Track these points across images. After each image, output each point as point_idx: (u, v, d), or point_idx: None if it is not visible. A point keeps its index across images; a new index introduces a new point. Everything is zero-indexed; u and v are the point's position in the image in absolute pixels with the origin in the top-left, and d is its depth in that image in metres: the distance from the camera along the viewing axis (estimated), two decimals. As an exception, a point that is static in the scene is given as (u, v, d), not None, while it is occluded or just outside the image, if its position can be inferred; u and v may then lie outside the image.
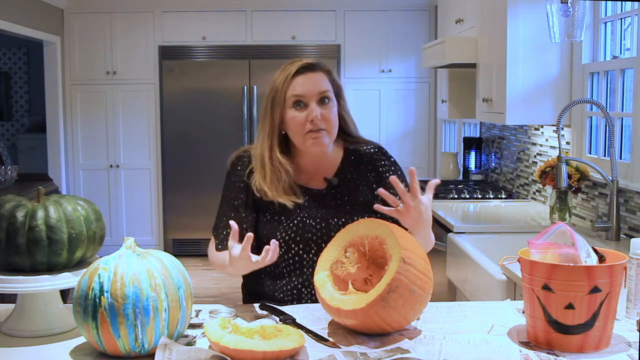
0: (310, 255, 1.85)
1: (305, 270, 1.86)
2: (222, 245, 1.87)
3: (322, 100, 1.82)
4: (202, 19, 6.27)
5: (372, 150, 1.96)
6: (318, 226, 1.85)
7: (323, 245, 1.81)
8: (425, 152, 6.46)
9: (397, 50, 6.34)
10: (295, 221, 1.84)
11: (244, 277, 2.02)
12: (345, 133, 1.94)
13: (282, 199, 1.83)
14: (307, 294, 1.87)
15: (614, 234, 2.72)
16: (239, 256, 1.62)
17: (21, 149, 8.07)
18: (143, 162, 6.41)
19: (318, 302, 1.77)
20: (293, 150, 1.90)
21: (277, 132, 1.84)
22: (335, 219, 1.86)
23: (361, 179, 1.92)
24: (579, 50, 3.26)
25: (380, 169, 1.93)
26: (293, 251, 1.85)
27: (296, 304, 1.87)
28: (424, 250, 1.60)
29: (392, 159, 1.98)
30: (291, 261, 1.86)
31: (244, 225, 1.86)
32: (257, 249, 1.84)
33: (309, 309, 1.75)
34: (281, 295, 1.89)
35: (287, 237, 1.85)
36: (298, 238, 1.84)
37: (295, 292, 1.87)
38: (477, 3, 3.90)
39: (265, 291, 1.91)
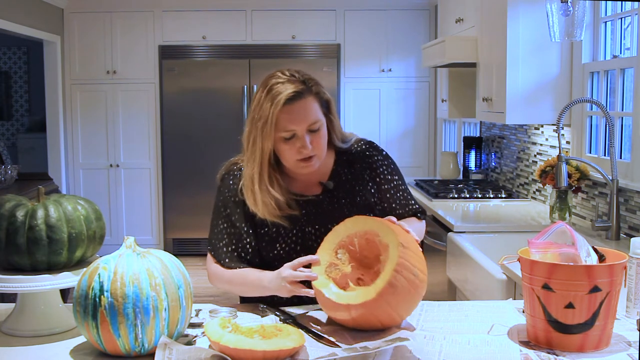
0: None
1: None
2: (232, 262, 1.82)
3: (312, 130, 1.75)
4: (202, 18, 6.27)
5: (364, 147, 1.93)
6: (318, 233, 1.81)
7: None
8: (425, 151, 6.46)
9: (397, 49, 6.33)
10: (294, 231, 1.81)
11: None
12: (335, 142, 1.89)
13: (277, 220, 1.78)
14: (308, 300, 1.81)
15: (614, 234, 2.72)
16: (291, 275, 1.63)
17: (21, 148, 8.07)
18: (143, 161, 6.41)
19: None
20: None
21: (266, 161, 1.76)
22: (335, 224, 1.77)
23: (356, 179, 1.88)
24: (579, 50, 3.26)
25: (374, 165, 1.90)
26: (293, 253, 1.81)
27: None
28: (411, 236, 1.61)
29: (384, 153, 1.94)
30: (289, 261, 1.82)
31: (248, 239, 1.82)
32: (259, 263, 1.83)
33: (308, 308, 1.75)
34: (278, 297, 1.86)
35: (287, 248, 1.81)
36: (299, 247, 1.80)
37: (295, 299, 1.82)
38: (477, 3, 3.90)
39: (263, 299, 1.86)
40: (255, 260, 1.83)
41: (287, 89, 1.71)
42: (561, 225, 1.54)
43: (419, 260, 1.53)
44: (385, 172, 1.91)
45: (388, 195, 1.91)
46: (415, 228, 1.88)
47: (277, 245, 1.81)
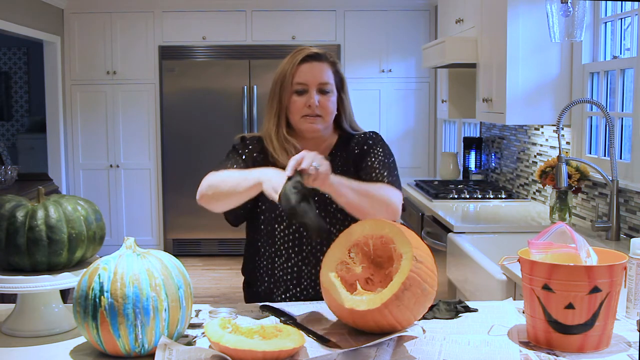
0: None
1: (304, 247, 1.92)
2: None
3: (322, 90, 1.92)
4: (202, 19, 6.27)
5: (366, 134, 2.02)
6: (316, 197, 1.89)
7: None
8: (425, 152, 6.46)
9: (397, 50, 6.34)
10: None
11: (243, 270, 2.07)
12: (343, 124, 2.01)
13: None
14: (307, 273, 1.92)
15: (614, 234, 2.72)
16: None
17: (21, 149, 8.08)
18: (143, 162, 6.41)
19: (317, 283, 1.88)
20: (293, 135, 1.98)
21: (284, 113, 1.94)
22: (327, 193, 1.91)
23: (349, 156, 1.99)
24: (579, 50, 3.26)
25: (365, 147, 1.98)
26: (294, 227, 1.91)
27: (296, 283, 1.93)
28: (429, 249, 1.60)
29: (382, 142, 2.00)
30: (291, 237, 1.93)
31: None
32: (259, 222, 1.94)
33: (309, 308, 1.75)
34: (281, 273, 1.94)
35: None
36: None
37: (295, 269, 1.93)
38: (477, 3, 3.90)
39: (265, 272, 1.96)
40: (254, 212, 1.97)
41: (308, 50, 1.97)
42: (561, 226, 1.54)
43: (430, 276, 1.52)
44: (378, 152, 1.96)
45: (370, 163, 1.94)
46: (386, 191, 1.84)
47: (277, 208, 1.91)
